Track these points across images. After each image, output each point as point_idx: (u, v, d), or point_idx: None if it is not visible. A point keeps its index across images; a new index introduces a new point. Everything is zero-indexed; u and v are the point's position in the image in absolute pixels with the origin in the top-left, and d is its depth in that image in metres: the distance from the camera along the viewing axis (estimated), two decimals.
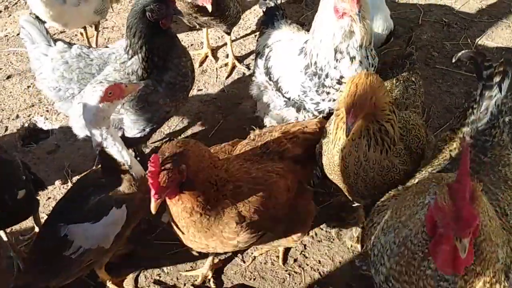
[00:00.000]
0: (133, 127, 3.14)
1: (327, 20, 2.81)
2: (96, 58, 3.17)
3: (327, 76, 2.89)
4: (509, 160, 2.49)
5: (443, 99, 4.06)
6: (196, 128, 3.93)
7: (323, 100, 2.96)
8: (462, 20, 4.73)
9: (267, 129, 2.80)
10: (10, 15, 4.97)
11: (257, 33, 3.93)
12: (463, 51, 2.63)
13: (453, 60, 2.71)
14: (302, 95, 3.02)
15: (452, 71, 4.28)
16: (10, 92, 4.25)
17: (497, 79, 2.53)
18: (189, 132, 3.89)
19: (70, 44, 3.25)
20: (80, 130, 3.21)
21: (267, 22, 3.47)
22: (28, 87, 4.29)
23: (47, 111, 4.07)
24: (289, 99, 3.11)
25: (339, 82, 2.87)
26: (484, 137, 2.52)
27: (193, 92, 4.17)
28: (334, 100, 2.93)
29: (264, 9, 3.53)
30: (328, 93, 2.92)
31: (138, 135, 3.21)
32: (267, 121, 3.35)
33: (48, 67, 3.14)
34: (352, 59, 2.83)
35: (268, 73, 3.24)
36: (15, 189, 2.76)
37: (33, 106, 4.12)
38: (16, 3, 5.17)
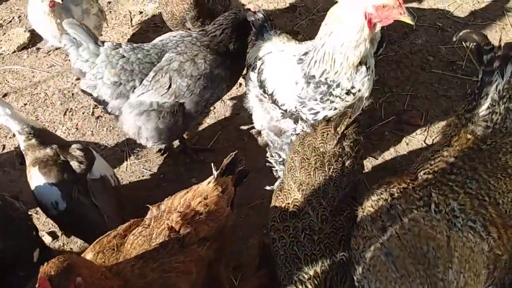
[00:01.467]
0: (193, 108, 3.27)
1: (349, 28, 2.62)
2: (152, 49, 3.26)
3: (338, 86, 2.77)
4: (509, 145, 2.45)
5: (440, 103, 4.06)
6: (195, 139, 3.91)
7: (324, 108, 2.88)
8: (456, 23, 4.75)
9: (166, 206, 2.44)
10: (4, 33, 4.97)
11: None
12: (464, 31, 2.63)
13: (454, 39, 2.70)
14: (300, 106, 2.95)
15: (448, 75, 4.28)
16: None
17: (497, 64, 2.51)
18: (187, 143, 3.87)
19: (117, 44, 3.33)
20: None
21: (257, 34, 3.41)
22: (25, 104, 4.28)
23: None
24: (285, 111, 3.07)
25: (348, 93, 2.79)
26: (485, 123, 2.51)
27: None
28: (335, 108, 2.86)
29: (253, 20, 3.45)
30: (332, 101, 2.84)
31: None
32: (264, 133, 3.32)
33: (104, 64, 3.13)
34: (368, 68, 2.74)
35: (262, 86, 3.19)
36: (31, 255, 2.66)
37: None
38: (10, 21, 5.17)
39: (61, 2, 3.84)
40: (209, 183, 2.51)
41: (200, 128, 4.00)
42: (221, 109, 4.13)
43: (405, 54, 4.50)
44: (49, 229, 3.38)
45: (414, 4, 5.00)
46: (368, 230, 2.23)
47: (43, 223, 3.41)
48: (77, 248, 3.27)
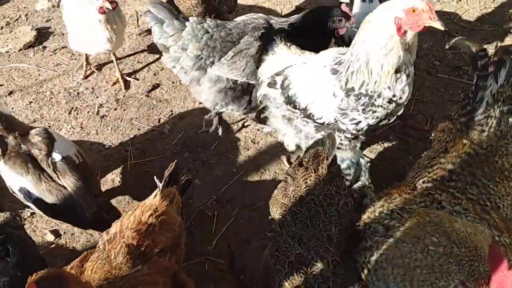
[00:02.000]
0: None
1: (379, 35, 2.55)
2: (234, 28, 3.41)
3: (379, 96, 2.67)
4: (507, 150, 2.46)
5: (445, 108, 4.04)
6: (198, 141, 3.91)
7: (366, 118, 2.76)
8: (463, 28, 4.73)
9: (116, 229, 2.42)
10: (11, 31, 4.99)
11: None
12: (456, 38, 2.64)
13: (446, 47, 2.71)
14: (340, 117, 2.81)
15: (454, 80, 4.27)
16: (12, 108, 4.24)
17: (491, 68, 2.51)
18: (191, 144, 3.88)
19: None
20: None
21: (266, 48, 3.20)
22: (30, 102, 4.29)
23: (49, 126, 4.06)
24: (322, 123, 2.91)
25: (390, 101, 2.70)
26: (480, 127, 2.52)
27: (195, 105, 4.18)
28: (377, 117, 2.76)
29: (259, 35, 3.25)
30: (374, 111, 2.73)
31: None
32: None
33: (189, 37, 3.32)
34: (408, 76, 2.66)
35: (290, 101, 3.00)
36: None
37: (35, 121, 4.12)
38: (17, 19, 5.19)
39: (111, 8, 3.70)
40: (155, 195, 2.54)
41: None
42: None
43: None
44: (52, 227, 3.38)
45: None
46: (371, 238, 2.22)
47: (46, 221, 3.41)
48: (80, 246, 3.27)
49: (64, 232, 3.36)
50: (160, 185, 2.60)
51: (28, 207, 3.15)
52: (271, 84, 3.12)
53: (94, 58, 4.60)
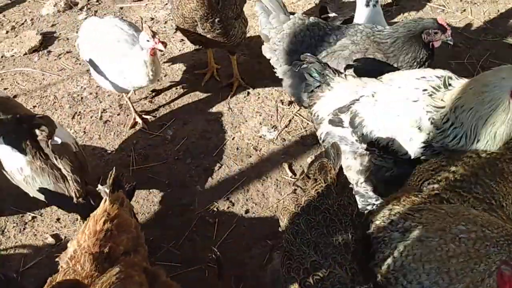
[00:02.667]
0: None
1: (492, 107, 2.45)
2: (334, 30, 3.44)
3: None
4: (507, 155, 2.53)
5: None
6: (201, 147, 3.92)
7: None
8: (467, 39, 4.73)
9: (74, 247, 2.45)
10: (16, 35, 5.02)
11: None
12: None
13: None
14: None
15: None
16: None
17: None
18: (194, 150, 3.88)
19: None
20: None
21: (318, 83, 3.01)
22: (34, 106, 4.30)
23: None
24: (408, 159, 2.71)
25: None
26: None
27: (198, 111, 4.19)
28: None
29: (307, 70, 3.04)
30: None
31: None
32: (360, 186, 2.94)
33: (289, 31, 3.44)
34: None
35: (366, 140, 2.78)
36: None
37: None
38: (23, 24, 5.22)
39: (163, 49, 3.50)
40: (105, 202, 2.60)
41: (207, 135, 4.00)
42: (228, 117, 4.13)
43: None
44: (53, 231, 3.38)
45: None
46: (389, 246, 2.20)
47: (47, 225, 3.42)
48: None
49: (65, 237, 3.36)
50: (107, 191, 2.68)
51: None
52: (336, 123, 2.89)
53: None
